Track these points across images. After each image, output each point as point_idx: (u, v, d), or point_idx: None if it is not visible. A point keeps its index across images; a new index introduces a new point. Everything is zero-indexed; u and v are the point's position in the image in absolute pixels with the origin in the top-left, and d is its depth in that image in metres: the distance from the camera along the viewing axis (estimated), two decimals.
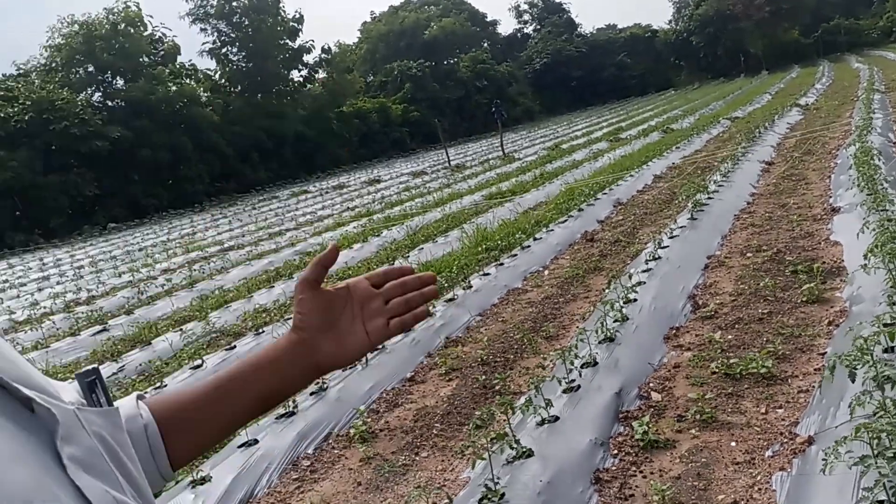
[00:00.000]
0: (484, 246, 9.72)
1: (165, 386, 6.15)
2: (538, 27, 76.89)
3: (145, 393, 0.99)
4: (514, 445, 3.77)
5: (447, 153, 28.63)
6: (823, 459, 2.68)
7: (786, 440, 3.64)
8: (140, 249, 19.89)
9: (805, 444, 3.47)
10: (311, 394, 5.28)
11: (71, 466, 0.60)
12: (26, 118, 31.49)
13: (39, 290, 15.07)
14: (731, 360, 4.66)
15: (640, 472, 3.69)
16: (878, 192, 7.35)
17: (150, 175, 35.59)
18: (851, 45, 63.86)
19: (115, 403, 0.72)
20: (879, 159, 9.59)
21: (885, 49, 52.84)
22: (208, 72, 45.15)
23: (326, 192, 27.13)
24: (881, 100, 18.82)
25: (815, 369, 4.43)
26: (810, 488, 3.08)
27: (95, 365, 0.92)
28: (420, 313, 1.07)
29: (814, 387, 4.14)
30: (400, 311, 1.05)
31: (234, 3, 44.93)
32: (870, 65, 37.04)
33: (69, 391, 0.76)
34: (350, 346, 1.01)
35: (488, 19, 75.69)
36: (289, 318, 7.72)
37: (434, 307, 7.01)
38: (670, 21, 79.96)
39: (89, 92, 37.63)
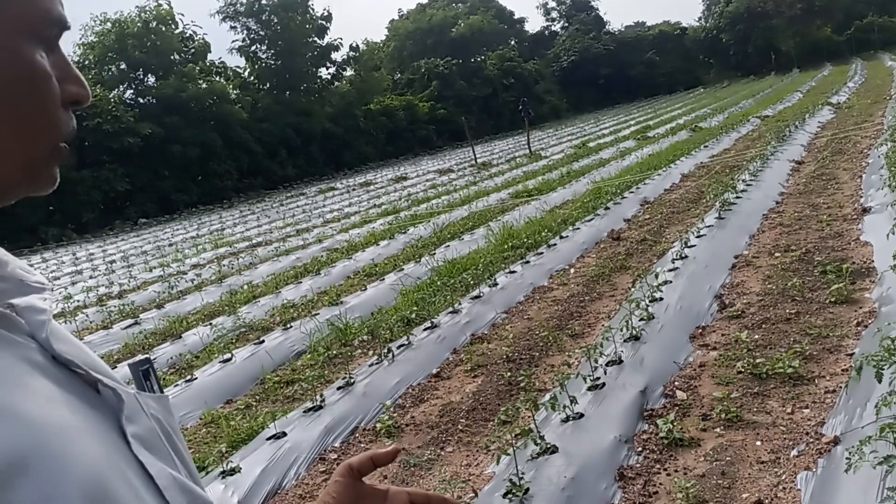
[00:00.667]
0: (510, 244, 9.75)
1: (196, 379, 6.26)
2: (566, 25, 76.54)
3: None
4: (539, 441, 3.81)
5: (473, 151, 28.65)
6: (847, 459, 2.69)
7: (811, 440, 3.64)
8: (170, 244, 20.16)
9: (831, 444, 3.46)
10: (339, 388, 5.36)
11: (135, 443, 0.65)
12: None
13: (73, 283, 15.33)
14: (758, 360, 4.66)
15: (664, 469, 3.71)
16: None
17: (180, 171, 36.01)
18: (885, 44, 62.77)
19: None
20: None
21: None
22: (237, 69, 45.57)
23: (353, 189, 27.27)
24: None
25: (842, 370, 4.41)
26: (835, 488, 3.09)
27: (147, 355, 0.97)
28: None
29: (841, 387, 4.13)
30: None
31: (264, 1, 45.30)
32: None
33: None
34: None
35: (516, 17, 75.48)
36: (316, 314, 7.82)
37: (460, 304, 7.07)
38: (700, 18, 79.16)
39: (121, 89, 38.16)
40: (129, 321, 9.58)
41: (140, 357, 0.87)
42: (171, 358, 7.43)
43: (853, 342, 4.78)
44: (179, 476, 0.68)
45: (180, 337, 8.21)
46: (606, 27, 76.11)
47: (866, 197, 8.72)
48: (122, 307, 10.66)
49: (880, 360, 3.20)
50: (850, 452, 2.71)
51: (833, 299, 5.59)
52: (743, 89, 45.46)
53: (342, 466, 0.93)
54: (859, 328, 4.97)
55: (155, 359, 7.41)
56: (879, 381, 3.16)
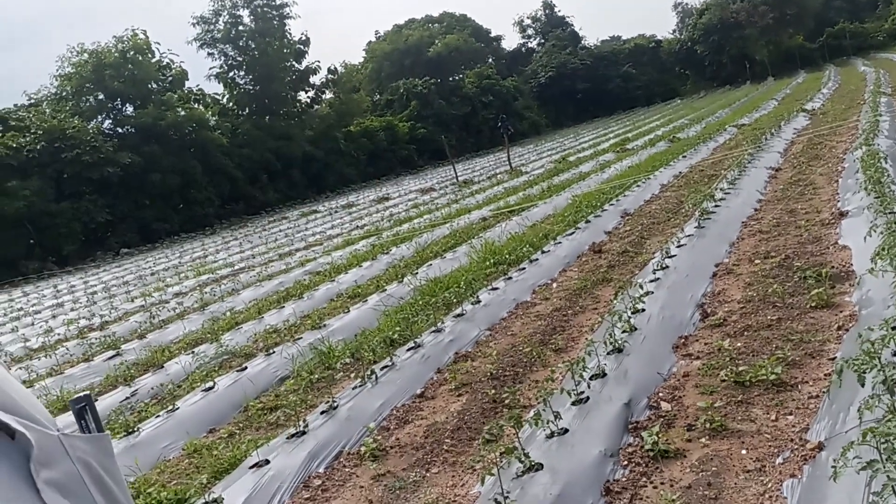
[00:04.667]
0: (492, 260, 9.73)
1: (178, 409, 6.17)
2: (542, 41, 77.14)
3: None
4: (524, 459, 3.77)
5: (455, 169, 28.73)
6: (833, 466, 2.67)
7: (796, 447, 3.62)
8: (152, 274, 20.01)
9: (815, 450, 3.44)
10: (322, 413, 5.30)
11: (47, 490, 0.61)
12: (38, 147, 31.86)
13: (54, 316, 15.17)
14: (741, 368, 4.65)
15: (651, 482, 3.67)
16: (886, 195, 7.33)
17: (161, 199, 35.89)
18: (857, 49, 63.77)
19: None
20: (886, 162, 9.55)
21: (892, 51, 52.74)
22: (216, 96, 45.59)
23: (335, 212, 27.23)
24: (888, 102, 18.76)
25: (825, 374, 4.40)
26: (821, 494, 3.06)
27: (88, 392, 0.93)
28: None
29: (824, 392, 4.12)
30: None
31: (241, 28, 45.40)
32: (876, 68, 36.97)
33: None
34: None
35: (492, 35, 76.01)
36: (299, 338, 7.74)
37: (443, 322, 7.03)
38: (674, 31, 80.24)
39: (99, 119, 38.08)
40: (111, 353, 9.47)
41: (79, 394, 0.84)
42: (153, 388, 7.33)
43: (835, 346, 4.78)
44: None
45: (162, 367, 8.11)
46: (582, 42, 76.81)
47: (843, 201, 8.78)
48: (103, 339, 10.55)
49: (861, 363, 3.19)
50: (834, 460, 2.69)
51: (813, 304, 5.59)
52: (719, 99, 45.93)
53: None
54: (840, 332, 4.97)
55: (136, 390, 7.32)
56: (862, 385, 3.16)
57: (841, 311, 5.36)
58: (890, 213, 6.63)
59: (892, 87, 23.61)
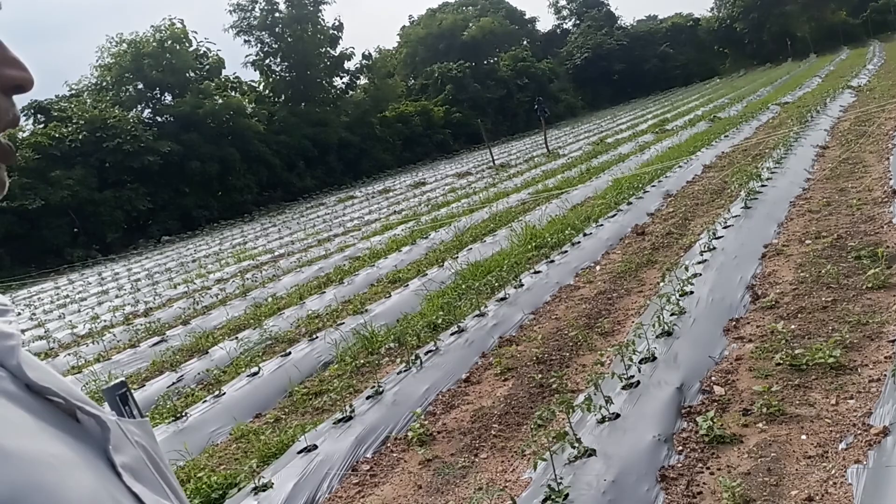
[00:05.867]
0: (533, 244, 9.64)
1: (224, 394, 6.21)
2: (577, 22, 76.23)
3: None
4: (576, 445, 3.71)
5: (491, 153, 28.56)
6: None
7: (859, 432, 3.51)
8: (193, 260, 20.25)
9: (881, 436, 3.33)
10: (367, 398, 5.29)
11: (125, 474, 0.60)
12: (80, 137, 32.38)
13: (99, 303, 15.43)
14: (796, 351, 4.52)
15: (707, 468, 3.59)
16: None
17: (201, 187, 36.29)
18: None
19: None
20: None
21: None
22: (252, 83, 45.92)
23: (372, 197, 27.27)
24: None
25: (885, 357, 4.26)
26: (889, 481, 2.96)
27: (123, 378, 0.90)
28: None
29: (885, 375, 3.99)
30: None
31: (277, 15, 45.57)
32: None
33: None
34: None
35: (527, 17, 75.33)
36: (341, 324, 7.75)
37: (486, 306, 6.98)
38: (712, 9, 78.49)
39: (139, 109, 38.57)
40: (156, 338, 9.60)
41: (115, 382, 0.83)
42: (199, 374, 7.40)
43: (895, 328, 4.62)
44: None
45: (207, 352, 8.19)
46: (618, 22, 75.69)
47: None
48: (148, 325, 10.69)
49: None
50: None
51: (870, 285, 5.42)
52: (760, 77, 44.98)
53: None
54: None
55: (182, 375, 7.40)
56: None
57: None
58: None
59: None
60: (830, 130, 14.06)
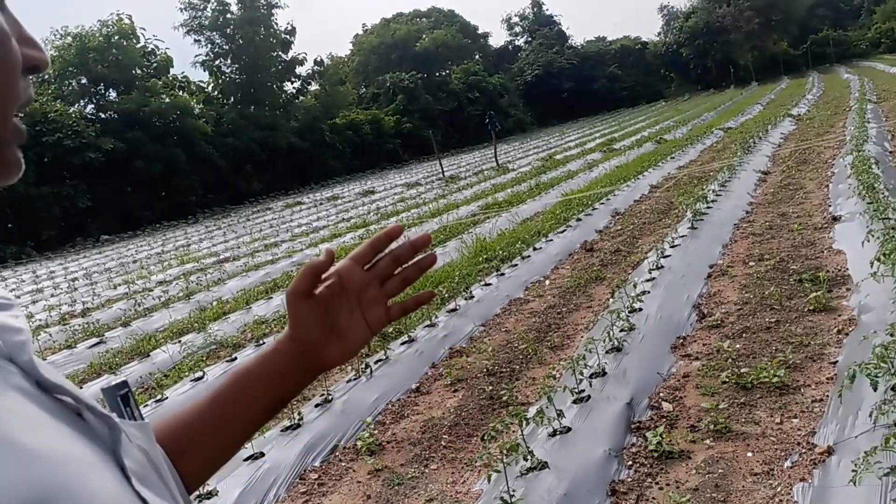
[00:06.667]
0: (484, 256, 9.68)
1: (167, 399, 6.06)
2: (529, 39, 77.19)
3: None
4: (528, 457, 3.72)
5: (441, 164, 28.64)
6: (854, 470, 2.64)
7: (804, 450, 3.60)
8: (134, 261, 19.77)
9: (825, 455, 3.42)
10: (317, 406, 5.22)
11: (134, 479, 0.57)
12: None
13: (34, 302, 14.93)
14: (742, 370, 4.63)
15: (656, 483, 3.64)
16: (880, 201, 7.35)
17: (144, 187, 35.50)
18: (840, 57, 64.50)
19: None
20: (878, 168, 9.61)
21: (874, 60, 53.33)
22: (201, 84, 45.18)
23: (321, 204, 27.06)
24: (874, 110, 18.93)
25: (826, 378, 4.39)
26: (833, 500, 3.04)
27: (124, 378, 0.87)
28: (422, 297, 1.00)
29: (828, 396, 4.11)
30: (397, 290, 0.97)
31: (228, 16, 45.02)
32: (860, 76, 37.31)
33: None
34: (353, 341, 0.95)
35: (480, 31, 76.01)
36: None
37: (437, 317, 6.97)
38: (659, 33, 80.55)
39: (82, 104, 37.62)
40: (94, 340, 9.32)
41: (117, 380, 0.78)
42: (140, 377, 7.21)
43: (835, 350, 4.77)
44: None
45: (148, 355, 7.99)
46: (569, 42, 76.90)
47: (835, 206, 8.81)
48: (86, 326, 10.37)
49: (874, 367, 3.17)
50: (855, 464, 2.66)
51: (811, 307, 5.59)
52: (704, 102, 46.15)
53: (289, 295, 0.90)
54: (840, 336, 4.97)
55: (122, 378, 7.18)
56: (875, 389, 3.14)
57: (839, 315, 5.36)
58: (885, 218, 6.65)
59: (877, 95, 23.81)
60: (772, 156, 14.49)
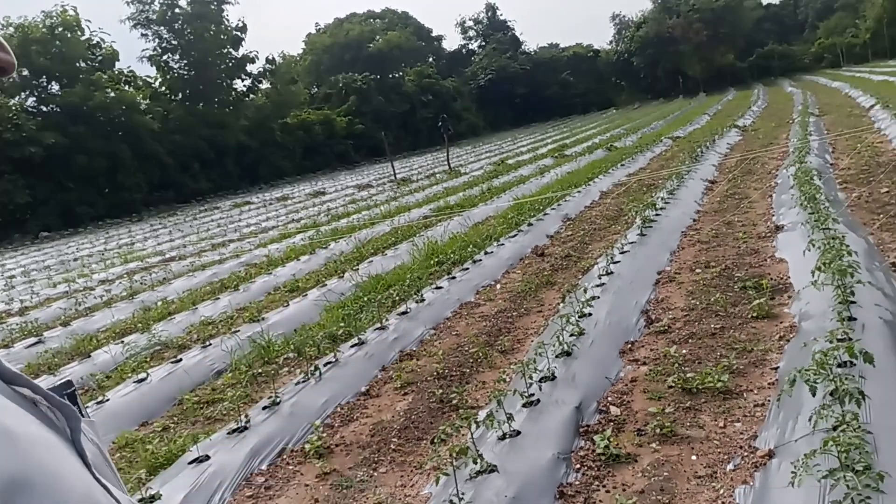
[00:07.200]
0: (435, 259, 9.68)
1: (108, 400, 5.91)
2: (483, 43, 77.62)
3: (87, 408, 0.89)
4: (478, 460, 3.72)
5: (393, 166, 28.58)
6: (793, 472, 2.71)
7: (746, 454, 3.68)
8: (75, 259, 19.27)
9: (766, 458, 3.50)
10: (264, 408, 5.15)
11: (92, 467, 0.59)
12: None
13: None
14: (688, 375, 4.70)
15: (604, 486, 3.67)
16: (821, 211, 7.57)
17: (86, 183, 34.63)
18: (784, 70, 66.37)
19: None
20: (820, 179, 9.90)
21: (817, 74, 55.02)
22: (148, 79, 44.30)
23: (270, 204, 26.76)
24: (816, 123, 19.50)
25: (769, 384, 4.50)
26: (774, 501, 3.10)
27: (69, 378, 0.85)
28: None
29: (769, 401, 4.20)
30: None
31: (177, 10, 44.24)
32: (802, 89, 38.43)
33: None
34: None
35: (434, 34, 76.17)
36: (236, 331, 7.53)
37: (387, 320, 6.94)
38: (611, 42, 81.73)
39: (23, 96, 36.50)
40: (33, 339, 9.06)
41: (62, 379, 0.76)
42: (81, 378, 7.01)
43: (777, 356, 4.88)
44: (135, 502, 0.62)
45: (89, 356, 7.78)
46: (522, 47, 77.57)
47: (778, 215, 9.05)
48: (23, 325, 10.08)
49: (814, 373, 3.25)
50: (794, 466, 2.72)
51: (755, 314, 5.72)
52: (654, 111, 46.98)
53: None
54: (782, 342, 5.09)
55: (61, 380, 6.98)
56: (813, 395, 3.22)
57: (781, 322, 5.50)
58: (826, 228, 6.85)
59: (819, 109, 24.54)
60: (718, 166, 14.81)
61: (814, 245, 6.21)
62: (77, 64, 37.74)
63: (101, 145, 34.79)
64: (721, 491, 3.43)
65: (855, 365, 3.76)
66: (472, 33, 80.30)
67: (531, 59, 74.33)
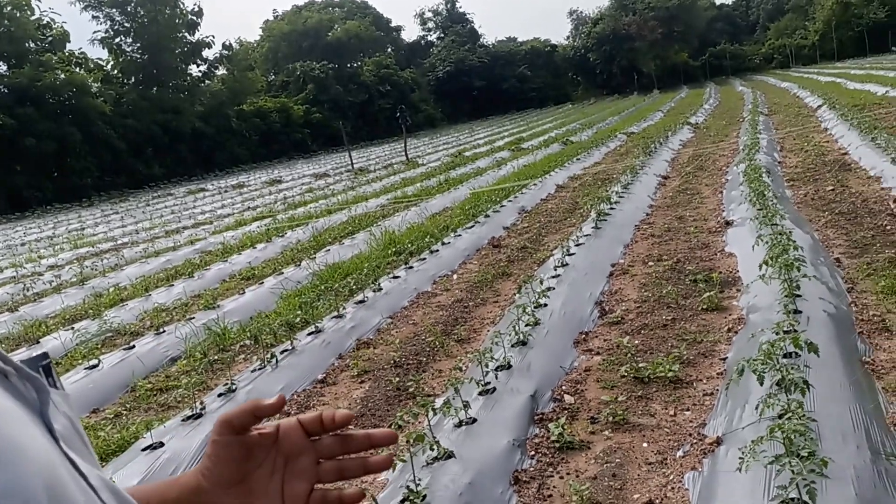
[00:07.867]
0: (393, 249, 9.70)
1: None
2: (442, 35, 77.59)
3: None
4: (434, 447, 3.77)
5: (350, 156, 28.46)
6: (740, 458, 2.81)
7: (695, 441, 3.79)
8: (22, 244, 18.82)
9: (714, 445, 3.61)
10: (220, 395, 5.13)
11: (61, 440, 0.58)
12: None
13: None
14: (640, 364, 4.82)
15: (557, 472, 3.75)
16: (769, 208, 7.78)
17: (35, 166, 33.79)
18: (736, 70, 67.76)
19: None
20: (768, 176, 10.16)
21: (766, 74, 56.26)
22: (100, 61, 43.31)
23: (225, 191, 26.44)
24: (765, 121, 19.97)
25: (717, 373, 4.63)
26: (721, 487, 3.22)
27: (45, 350, 0.86)
28: (353, 497, 0.85)
29: (718, 390, 4.33)
30: (330, 478, 0.85)
31: None
32: (752, 88, 39.24)
33: None
34: None
35: (393, 25, 75.95)
36: (191, 318, 7.47)
37: (344, 308, 6.94)
38: (568, 37, 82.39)
39: None
40: None
41: (38, 352, 0.77)
42: None
43: (725, 347, 5.03)
44: (105, 476, 0.61)
45: (38, 342, 7.65)
46: (481, 40, 77.69)
47: (728, 211, 9.27)
48: None
49: (761, 363, 3.37)
50: (742, 452, 2.83)
51: (705, 307, 5.87)
52: (609, 107, 47.52)
53: (218, 423, 0.82)
54: (730, 334, 5.24)
55: None
56: (761, 384, 3.33)
57: (730, 315, 5.66)
58: (773, 224, 7.04)
59: (769, 108, 25.11)
60: (671, 162, 15.09)
61: (762, 240, 6.40)
62: (26, 44, 36.80)
63: (50, 128, 33.95)
64: (671, 477, 3.53)
65: (800, 356, 3.90)
66: (430, 25, 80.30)
67: (489, 52, 74.52)
